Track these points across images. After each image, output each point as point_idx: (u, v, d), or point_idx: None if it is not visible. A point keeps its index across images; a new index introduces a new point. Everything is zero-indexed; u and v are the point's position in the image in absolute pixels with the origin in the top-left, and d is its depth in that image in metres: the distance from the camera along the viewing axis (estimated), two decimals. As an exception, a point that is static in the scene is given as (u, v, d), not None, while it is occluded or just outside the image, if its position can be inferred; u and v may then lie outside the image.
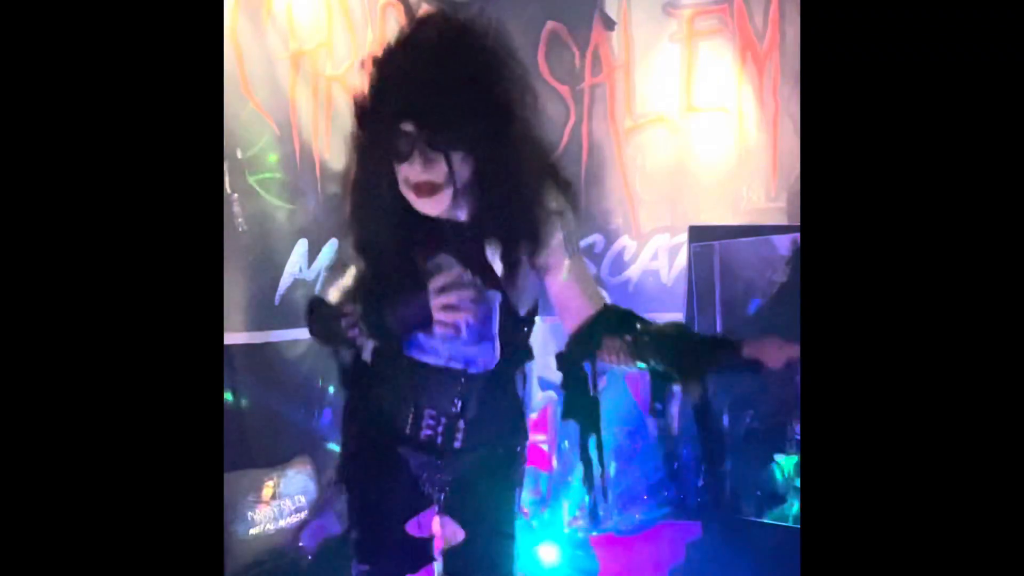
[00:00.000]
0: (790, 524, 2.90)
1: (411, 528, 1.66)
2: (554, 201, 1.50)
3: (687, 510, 3.13)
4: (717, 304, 3.18)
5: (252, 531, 2.86)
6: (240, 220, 2.85)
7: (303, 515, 3.00)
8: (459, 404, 1.61)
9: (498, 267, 1.49)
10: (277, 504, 2.95)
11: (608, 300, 1.60)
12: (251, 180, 2.88)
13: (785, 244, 3.05)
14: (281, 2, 2.91)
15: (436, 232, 1.50)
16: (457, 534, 1.65)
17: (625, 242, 3.50)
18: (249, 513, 2.87)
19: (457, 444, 1.62)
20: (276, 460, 3.04)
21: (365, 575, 1.66)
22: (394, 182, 1.44)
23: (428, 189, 1.40)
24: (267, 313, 2.96)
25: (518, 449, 1.71)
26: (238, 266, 2.84)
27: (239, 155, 2.84)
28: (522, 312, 1.59)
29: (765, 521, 2.97)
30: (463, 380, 1.60)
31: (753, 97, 3.32)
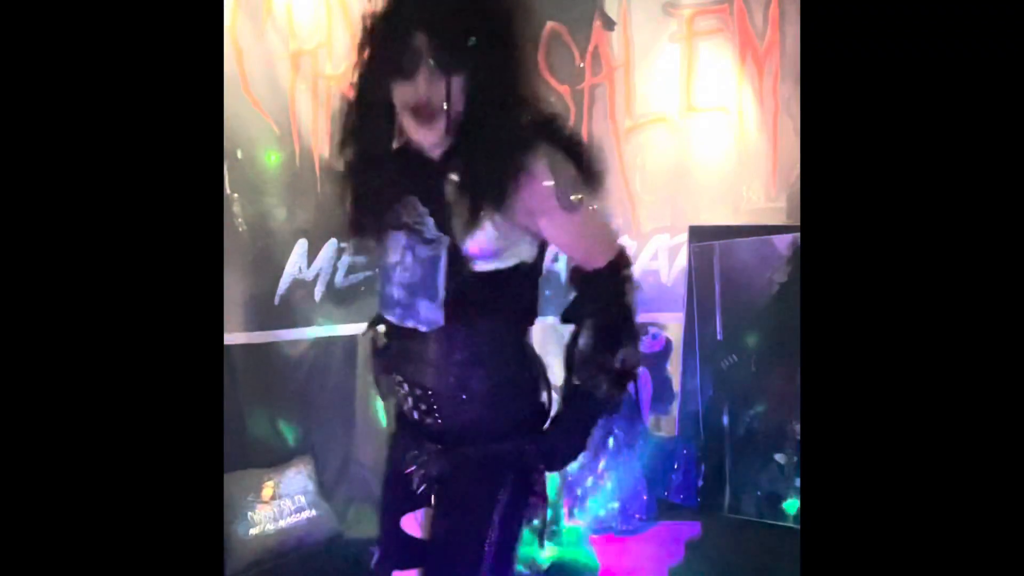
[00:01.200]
0: (790, 524, 2.90)
1: (406, 524, 1.60)
2: (545, 155, 1.41)
3: (687, 510, 3.13)
4: (717, 304, 3.18)
5: (252, 531, 2.86)
6: (240, 220, 2.85)
7: (303, 515, 3.00)
8: (412, 367, 1.50)
9: (459, 211, 1.40)
10: (277, 504, 2.95)
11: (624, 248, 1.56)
12: (251, 180, 2.88)
13: (785, 244, 3.05)
14: (281, 2, 2.91)
15: (409, 170, 1.46)
16: (445, 531, 1.54)
17: (625, 242, 3.49)
18: (249, 513, 2.87)
19: (434, 419, 1.51)
20: (276, 460, 3.05)
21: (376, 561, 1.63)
22: (391, 110, 1.43)
23: (427, 114, 1.37)
24: (267, 313, 2.96)
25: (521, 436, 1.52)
26: (238, 266, 2.84)
27: (239, 155, 2.84)
28: (477, 267, 1.44)
29: (765, 521, 2.97)
30: (415, 342, 1.49)
31: (753, 97, 3.31)
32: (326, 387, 3.24)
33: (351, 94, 1.49)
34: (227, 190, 2.80)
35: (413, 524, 1.61)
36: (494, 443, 1.50)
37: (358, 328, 3.16)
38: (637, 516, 3.14)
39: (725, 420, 3.13)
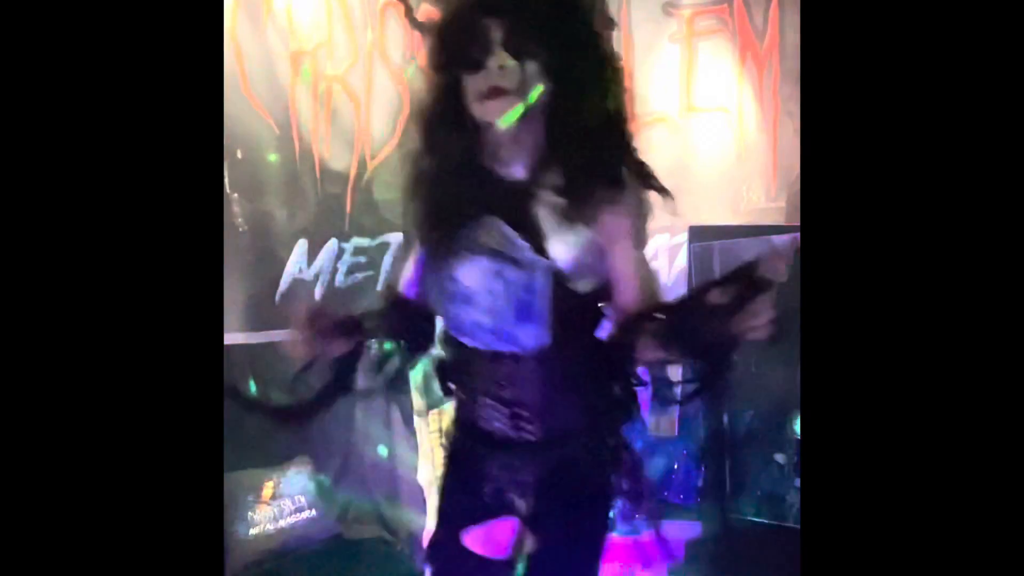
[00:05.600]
0: (790, 524, 2.90)
1: (471, 541, 1.54)
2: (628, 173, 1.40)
3: (687, 510, 3.13)
4: (717, 304, 3.17)
5: (252, 531, 2.86)
6: (240, 220, 2.86)
7: (303, 515, 3.00)
8: (510, 390, 1.47)
9: (552, 231, 1.38)
10: (277, 504, 2.95)
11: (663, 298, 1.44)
12: (251, 180, 2.88)
13: (785, 244, 3.05)
14: (281, 2, 2.91)
15: (487, 189, 1.42)
16: (535, 543, 1.51)
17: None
18: (249, 513, 2.87)
19: (528, 437, 1.48)
20: (276, 460, 3.05)
21: None
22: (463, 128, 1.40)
23: (498, 92, 1.34)
24: (267, 313, 2.96)
25: (611, 444, 1.50)
26: (238, 266, 2.84)
27: (239, 155, 2.84)
28: (580, 289, 1.42)
29: (765, 521, 2.97)
30: (511, 362, 1.45)
31: (753, 97, 3.32)
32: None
33: (417, 99, 1.48)
34: (227, 190, 2.80)
35: (477, 541, 1.55)
36: (592, 449, 1.48)
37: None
38: (637, 516, 3.14)
39: (725, 420, 3.13)
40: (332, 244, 3.06)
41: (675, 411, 3.34)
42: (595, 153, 1.38)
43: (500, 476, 1.51)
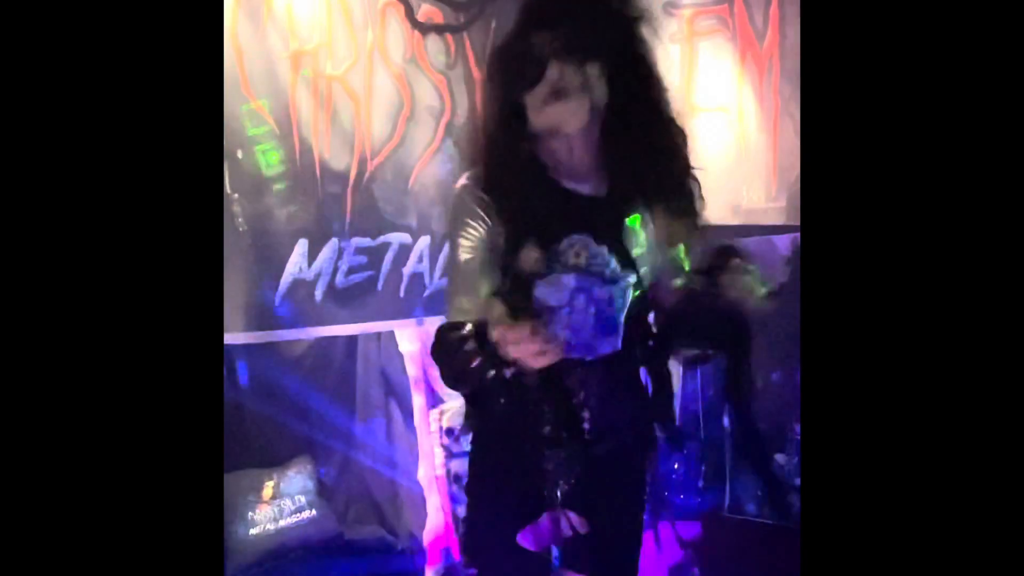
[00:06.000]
0: (790, 524, 2.90)
1: (524, 540, 1.58)
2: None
3: (687, 510, 3.13)
4: (717, 304, 3.17)
5: (252, 531, 2.86)
6: (240, 220, 2.85)
7: (303, 515, 3.00)
8: (581, 395, 1.53)
9: (635, 247, 1.45)
10: (277, 504, 2.95)
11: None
12: (251, 180, 2.88)
13: (785, 244, 3.05)
14: (281, 2, 2.90)
15: (572, 208, 1.45)
16: (580, 526, 1.58)
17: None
18: (249, 513, 2.87)
19: (587, 436, 1.55)
20: (276, 460, 3.04)
21: None
22: (529, 146, 1.43)
23: (560, 93, 1.38)
24: (267, 313, 2.95)
25: (648, 436, 1.64)
26: (238, 266, 2.84)
27: (239, 155, 2.84)
28: (645, 296, 1.52)
29: (765, 521, 2.97)
30: (581, 368, 1.50)
31: (753, 97, 3.31)
32: (326, 387, 3.24)
33: (481, 131, 1.51)
34: (227, 190, 2.79)
35: (530, 539, 1.59)
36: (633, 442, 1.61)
37: (358, 328, 3.16)
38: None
39: (725, 420, 3.12)
40: (332, 244, 3.05)
41: (676, 411, 3.33)
42: (662, 162, 1.45)
43: (544, 473, 1.55)
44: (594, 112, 1.41)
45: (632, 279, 1.45)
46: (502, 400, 1.48)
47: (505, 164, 1.46)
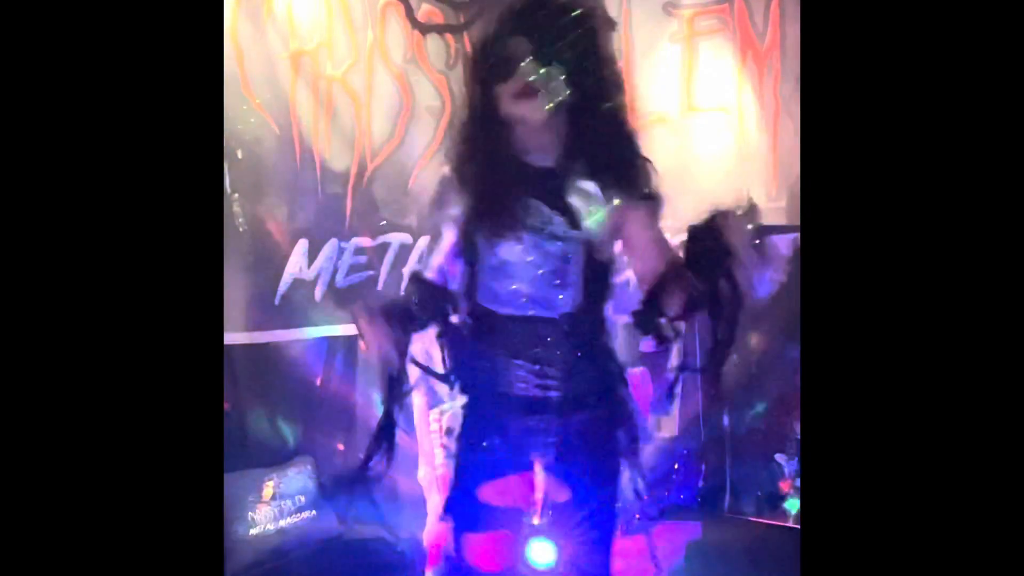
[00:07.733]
0: (790, 524, 2.90)
1: (485, 494, 1.70)
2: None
3: (687, 510, 3.13)
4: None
5: (252, 531, 2.86)
6: (240, 220, 2.85)
7: (303, 515, 3.00)
8: (541, 351, 1.64)
9: (582, 210, 1.62)
10: (277, 504, 2.95)
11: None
12: (251, 180, 2.88)
13: (785, 244, 3.05)
14: (281, 2, 2.90)
15: (523, 176, 1.64)
16: (560, 494, 1.69)
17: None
18: (249, 513, 2.87)
19: (553, 395, 1.65)
20: (276, 460, 3.05)
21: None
22: (501, 125, 1.62)
23: (528, 91, 1.59)
24: (267, 313, 2.95)
25: (618, 400, 1.72)
26: (238, 266, 2.84)
27: (239, 155, 2.84)
28: (602, 257, 1.67)
29: (765, 521, 2.97)
30: (545, 325, 1.64)
31: (753, 97, 3.31)
32: (326, 387, 3.24)
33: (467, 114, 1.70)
34: (227, 190, 2.79)
35: (492, 493, 1.71)
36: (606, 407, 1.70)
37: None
38: (637, 516, 3.14)
39: (725, 420, 3.13)
40: (332, 244, 3.05)
41: (675, 411, 3.34)
42: (609, 144, 1.64)
43: (521, 434, 1.68)
44: (557, 107, 1.59)
45: (582, 238, 1.62)
46: (465, 333, 1.69)
47: (476, 141, 1.68)
